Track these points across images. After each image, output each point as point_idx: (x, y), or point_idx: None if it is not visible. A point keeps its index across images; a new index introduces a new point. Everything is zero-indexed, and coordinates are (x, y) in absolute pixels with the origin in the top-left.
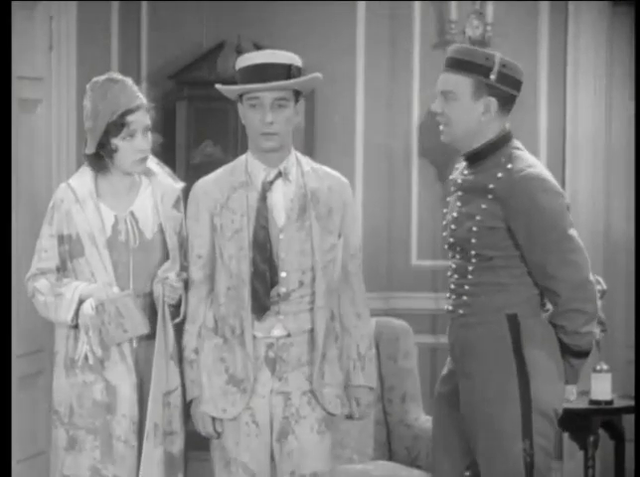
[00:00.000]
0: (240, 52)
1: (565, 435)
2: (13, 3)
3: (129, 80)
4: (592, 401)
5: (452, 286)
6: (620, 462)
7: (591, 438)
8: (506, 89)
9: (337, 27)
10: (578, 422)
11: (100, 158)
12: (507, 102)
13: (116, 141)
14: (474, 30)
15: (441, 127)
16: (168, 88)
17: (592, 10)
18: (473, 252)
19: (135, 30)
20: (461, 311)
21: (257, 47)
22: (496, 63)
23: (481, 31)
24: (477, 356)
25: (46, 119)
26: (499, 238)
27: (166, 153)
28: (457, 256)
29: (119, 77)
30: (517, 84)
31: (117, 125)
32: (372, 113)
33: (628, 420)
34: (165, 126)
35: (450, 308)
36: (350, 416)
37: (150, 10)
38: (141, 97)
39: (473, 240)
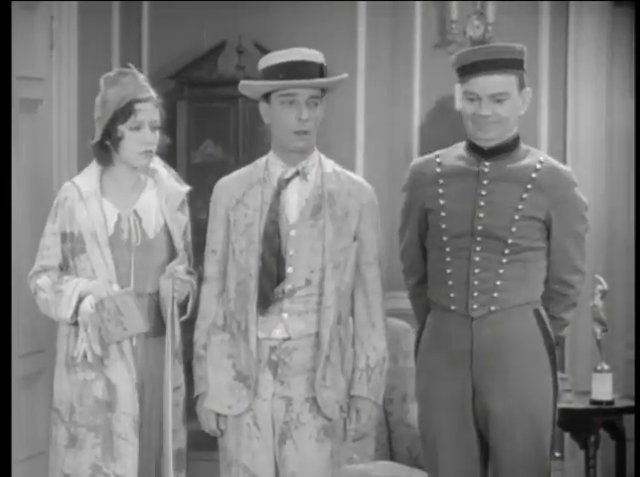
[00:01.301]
0: (240, 51)
1: (566, 435)
2: (13, 3)
3: (141, 74)
4: (593, 402)
5: (475, 282)
6: (621, 462)
7: (592, 438)
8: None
9: (338, 27)
10: (579, 422)
11: (106, 149)
12: None
13: (123, 128)
14: (475, 30)
15: (488, 126)
16: (169, 88)
17: (593, 10)
18: (510, 241)
19: (136, 30)
20: (493, 308)
21: (258, 46)
22: (524, 52)
23: (482, 31)
24: (514, 352)
25: (46, 119)
26: (534, 230)
27: (167, 153)
28: (477, 249)
29: (132, 70)
30: None
31: (125, 113)
32: (373, 113)
33: (629, 420)
34: (166, 126)
35: (475, 306)
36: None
37: (151, 10)
38: (151, 92)
39: (514, 229)
